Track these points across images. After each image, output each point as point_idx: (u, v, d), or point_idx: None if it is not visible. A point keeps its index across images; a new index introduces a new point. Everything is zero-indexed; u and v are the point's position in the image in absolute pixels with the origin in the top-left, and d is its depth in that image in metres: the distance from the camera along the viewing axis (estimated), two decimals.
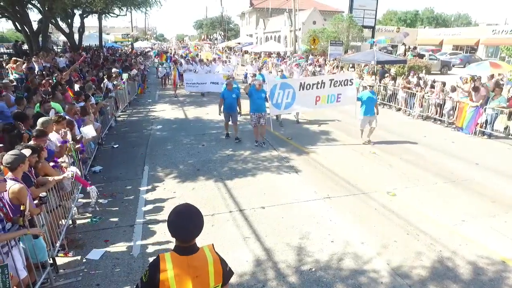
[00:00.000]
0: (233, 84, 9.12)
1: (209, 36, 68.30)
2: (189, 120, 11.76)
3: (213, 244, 2.26)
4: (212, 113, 12.54)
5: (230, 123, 9.19)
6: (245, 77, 17.66)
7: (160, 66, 19.37)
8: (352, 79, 9.58)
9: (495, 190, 6.45)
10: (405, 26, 55.77)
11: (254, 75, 14.16)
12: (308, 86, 9.03)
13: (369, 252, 4.48)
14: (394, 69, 17.73)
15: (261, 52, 31.64)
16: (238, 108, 9.08)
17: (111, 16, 24.24)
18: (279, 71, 13.44)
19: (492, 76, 12.90)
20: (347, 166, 7.52)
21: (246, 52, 35.43)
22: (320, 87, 9.09)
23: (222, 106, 8.97)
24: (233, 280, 3.97)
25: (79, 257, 4.38)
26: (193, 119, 11.85)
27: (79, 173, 5.17)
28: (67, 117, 5.77)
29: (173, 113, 12.79)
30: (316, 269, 4.12)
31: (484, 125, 10.07)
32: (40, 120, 4.96)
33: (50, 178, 4.34)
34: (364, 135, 9.02)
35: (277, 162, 7.60)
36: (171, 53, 29.43)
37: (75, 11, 20.74)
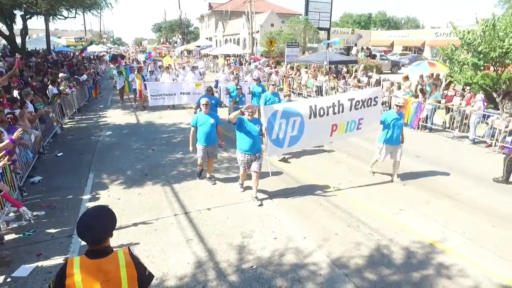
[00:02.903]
0: (209, 104, 6.37)
1: (168, 40, 67.09)
2: (141, 125, 11.43)
3: (129, 247, 2.21)
4: (165, 117, 12.32)
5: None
6: (216, 86, 14.58)
7: (117, 76, 16.11)
8: (377, 97, 6.92)
9: (431, 179, 6.90)
10: (360, 28, 58.26)
11: (239, 85, 10.29)
12: (321, 111, 6.25)
13: (311, 246, 4.59)
14: (347, 69, 18.44)
15: (220, 55, 31.51)
16: (219, 139, 6.48)
17: (59, 18, 22.90)
18: (273, 85, 9.23)
19: (432, 75, 13.87)
20: (296, 163, 7.67)
21: (205, 55, 35.14)
22: (338, 111, 6.42)
23: (195, 138, 6.34)
24: (172, 283, 3.91)
25: (3, 277, 4.06)
26: (145, 123, 11.53)
27: (7, 189, 4.82)
28: None
29: (125, 118, 12.37)
30: (257, 266, 4.15)
31: (425, 119, 10.76)
32: None
33: None
34: (376, 166, 7.17)
35: (227, 163, 7.59)
36: (129, 59, 28.08)
37: (15, 11, 19.34)
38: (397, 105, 6.87)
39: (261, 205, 5.71)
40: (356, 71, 17.63)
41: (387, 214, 5.50)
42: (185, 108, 13.47)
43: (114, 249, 2.14)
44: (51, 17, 22.33)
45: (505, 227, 5.19)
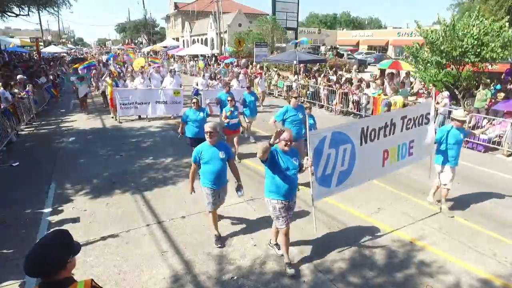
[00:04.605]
0: (217, 131, 4.42)
1: (133, 40, 64.95)
2: (107, 129, 10.82)
3: (92, 280, 1.92)
4: (133, 121, 11.74)
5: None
6: (195, 94, 12.49)
7: (79, 83, 13.37)
8: (429, 114, 5.63)
9: (407, 176, 6.96)
10: (326, 28, 59.55)
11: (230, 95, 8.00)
12: (373, 134, 4.87)
13: (292, 251, 4.42)
14: (316, 68, 18.65)
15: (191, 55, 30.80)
16: (236, 178, 4.63)
17: (9, 16, 21.15)
18: (295, 97, 6.61)
19: (398, 74, 14.35)
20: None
21: (171, 56, 34.29)
22: (389, 133, 5.10)
23: (196, 177, 4.59)
24: None
25: None
26: (111, 128, 10.93)
27: None
28: None
29: (89, 123, 11.66)
30: (238, 277, 3.94)
31: None
32: None
33: None
34: (432, 192, 5.87)
35: None
36: (93, 60, 25.88)
37: None
38: (456, 119, 5.38)
39: (294, 274, 4.00)
40: (349, 71, 18.01)
41: (366, 214, 5.48)
42: (163, 118, 12.01)
43: (77, 280, 1.86)
44: None
45: (476, 220, 5.33)
